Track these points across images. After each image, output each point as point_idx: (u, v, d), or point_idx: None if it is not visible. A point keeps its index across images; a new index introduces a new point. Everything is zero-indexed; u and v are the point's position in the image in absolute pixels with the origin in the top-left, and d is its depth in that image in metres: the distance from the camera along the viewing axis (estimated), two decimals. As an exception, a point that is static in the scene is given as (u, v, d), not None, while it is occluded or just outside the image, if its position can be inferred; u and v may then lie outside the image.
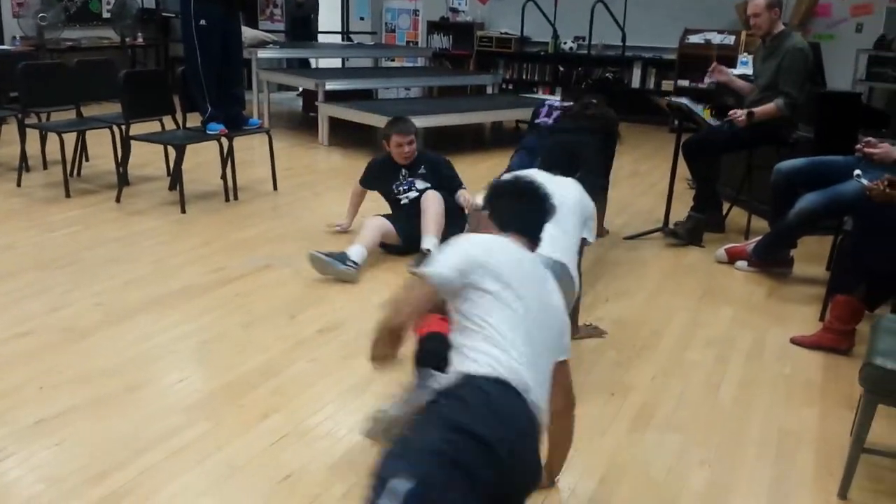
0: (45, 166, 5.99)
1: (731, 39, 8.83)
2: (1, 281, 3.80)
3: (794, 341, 3.42)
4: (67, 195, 5.29)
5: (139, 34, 10.21)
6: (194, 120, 5.52)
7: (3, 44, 8.84)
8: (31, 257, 4.15)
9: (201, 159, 6.15)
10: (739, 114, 4.50)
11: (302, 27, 11.26)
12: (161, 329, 3.34)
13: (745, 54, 7.31)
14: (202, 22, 5.20)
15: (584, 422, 2.72)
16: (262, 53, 8.62)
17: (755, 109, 4.56)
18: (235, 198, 5.43)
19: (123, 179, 5.38)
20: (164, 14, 10.57)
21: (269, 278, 3.98)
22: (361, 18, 11.40)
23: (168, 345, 3.21)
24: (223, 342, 3.27)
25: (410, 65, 11.05)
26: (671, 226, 4.84)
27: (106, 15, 10.11)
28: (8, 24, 9.11)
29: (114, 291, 3.72)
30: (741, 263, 4.36)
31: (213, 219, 4.98)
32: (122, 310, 3.51)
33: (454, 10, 11.09)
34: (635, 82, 9.72)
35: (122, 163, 5.36)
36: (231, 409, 2.75)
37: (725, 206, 5.15)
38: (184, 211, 5.04)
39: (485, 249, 1.93)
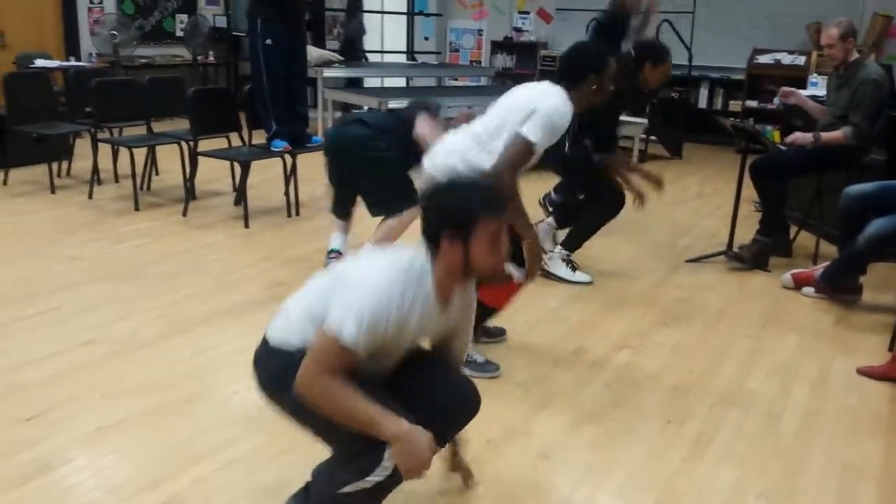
0: (116, 179, 6.19)
1: (801, 60, 8.62)
2: (68, 291, 3.93)
3: (861, 371, 3.30)
4: (136, 208, 5.45)
5: (210, 52, 10.50)
6: (260, 137, 5.63)
7: (80, 60, 9.18)
8: (98, 269, 4.28)
9: (266, 175, 6.26)
10: (804, 137, 4.47)
11: (349, 49, 11.37)
12: (219, 342, 3.40)
13: (816, 75, 7.12)
14: (268, 41, 5.32)
15: (639, 446, 2.68)
16: (328, 72, 8.76)
17: (823, 134, 4.48)
18: (297, 213, 5.51)
19: (190, 194, 5.51)
20: (234, 33, 10.85)
21: (326, 294, 4.02)
22: (426, 38, 11.51)
23: (225, 357, 3.26)
24: (279, 356, 3.31)
25: (474, 84, 11.10)
26: (736, 249, 4.72)
27: (179, 34, 10.44)
28: (85, 41, 9.48)
29: (176, 304, 3.81)
30: (808, 289, 4.23)
31: (275, 234, 5.06)
32: (184, 322, 3.59)
33: (518, 30, 11.11)
34: (702, 102, 9.56)
35: (189, 178, 5.50)
36: (283, 423, 2.76)
37: (793, 230, 5.01)
38: (247, 226, 5.14)
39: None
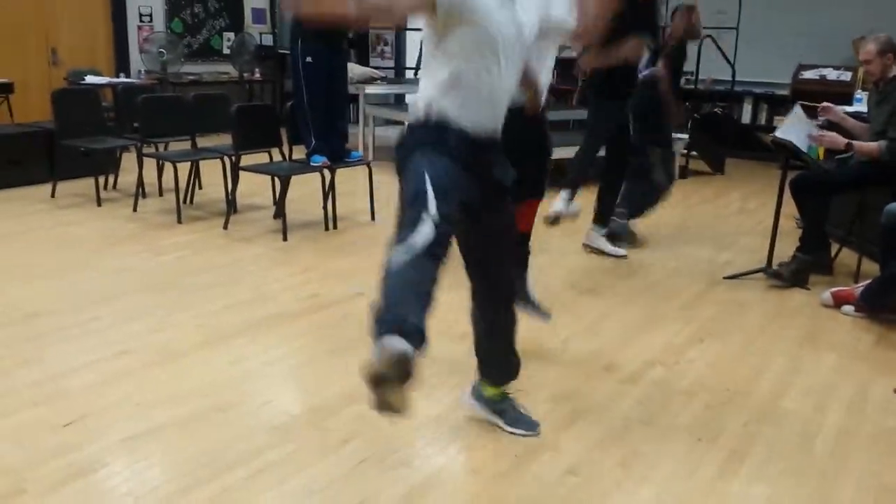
0: (160, 193, 6.33)
1: (847, 76, 8.49)
2: (108, 302, 4.02)
3: (901, 393, 3.22)
4: (179, 221, 5.56)
5: (257, 70, 10.70)
6: (300, 152, 5.72)
7: (129, 77, 9.43)
8: (139, 280, 4.38)
9: (307, 189, 6.34)
10: (833, 137, 4.52)
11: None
12: (254, 353, 3.45)
13: (861, 91, 6.99)
14: (308, 59, 5.42)
15: (669, 464, 2.65)
16: (370, 89, 8.87)
17: (855, 143, 4.48)
18: (335, 227, 5.58)
19: (231, 208, 5.61)
20: (280, 51, 11.04)
21: (359, 306, 4.05)
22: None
23: (259, 368, 3.31)
24: (311, 367, 3.35)
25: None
26: (775, 266, 4.65)
27: (226, 51, 10.66)
28: (135, 58, 9.73)
29: (213, 315, 3.88)
30: (848, 308, 4.15)
31: (313, 247, 5.13)
32: (220, 333, 3.65)
33: (561, 46, 11.10)
34: (745, 118, 9.46)
35: (230, 192, 5.61)
36: (314, 433, 2.81)
37: (834, 247, 4.92)
38: (286, 239, 5.21)
39: None
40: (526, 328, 3.70)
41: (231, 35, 10.72)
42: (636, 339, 3.72)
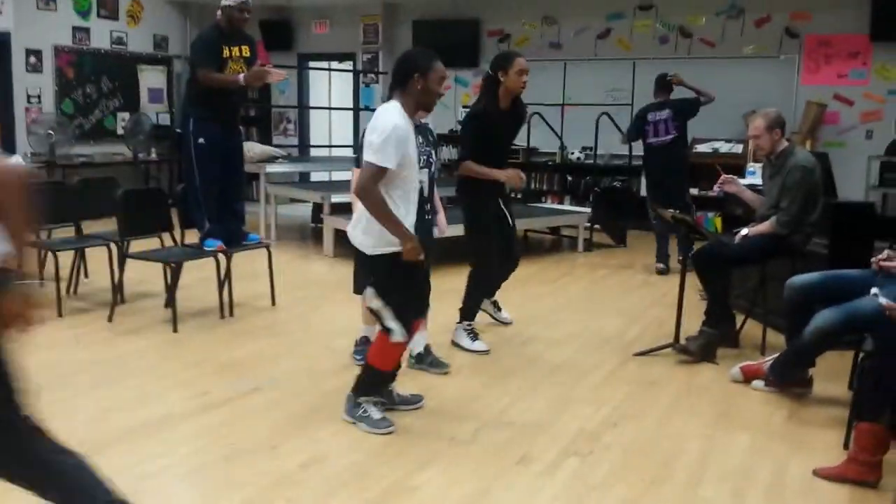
0: (41, 284, 5.90)
1: (738, 148, 8.81)
2: (-26, 409, 3.62)
3: (817, 473, 3.14)
4: (60, 314, 5.17)
5: (153, 150, 10.37)
6: (194, 236, 5.44)
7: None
8: (10, 382, 3.97)
9: (203, 274, 6.01)
10: (742, 232, 4.61)
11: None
12: (135, 462, 3.12)
13: (753, 164, 7.23)
14: (201, 140, 5.22)
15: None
16: (271, 168, 8.67)
17: (750, 231, 4.59)
18: (231, 314, 5.28)
19: (117, 298, 5.25)
20: (177, 130, 10.75)
21: (254, 403, 3.78)
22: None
23: (141, 481, 2.97)
24: (199, 477, 3.05)
25: (420, 176, 11.09)
26: (682, 341, 4.61)
27: (120, 132, 10.31)
28: (21, 140, 9.27)
29: (91, 421, 3.52)
30: (758, 383, 4.11)
31: (206, 337, 4.82)
32: (97, 441, 3.29)
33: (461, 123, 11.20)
34: (643, 191, 9.64)
35: (117, 282, 5.25)
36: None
37: (739, 318, 4.93)
38: (176, 330, 4.89)
39: None
40: (431, 424, 3.53)
41: (126, 115, 10.41)
42: (549, 426, 3.56)
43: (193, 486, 2.99)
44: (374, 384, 3.49)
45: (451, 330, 4.72)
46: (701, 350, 4.49)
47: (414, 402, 3.75)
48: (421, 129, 3.95)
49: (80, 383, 4.00)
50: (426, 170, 4.05)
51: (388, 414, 3.54)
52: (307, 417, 3.59)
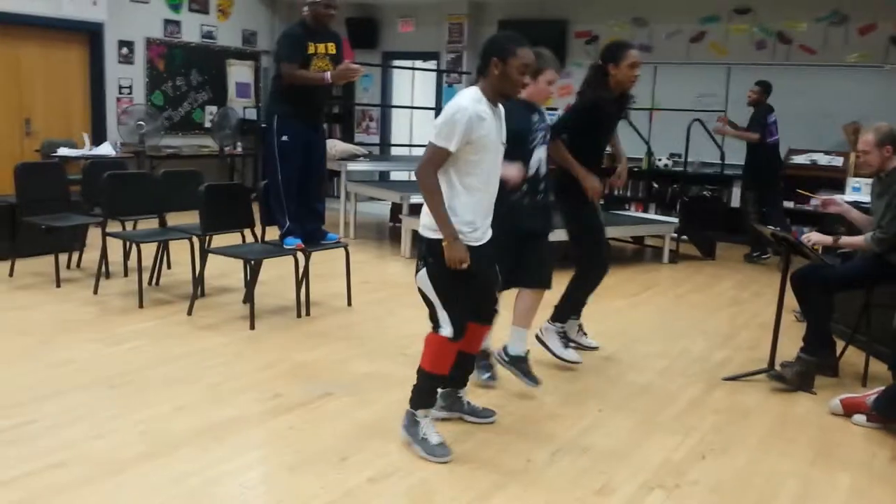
0: (125, 273, 5.99)
1: (839, 161, 8.34)
2: (50, 400, 3.64)
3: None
4: (141, 305, 5.21)
5: (238, 143, 10.49)
6: (274, 233, 5.41)
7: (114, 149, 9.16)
8: (87, 374, 4.00)
9: (281, 271, 5.99)
10: (822, 238, 4.37)
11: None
12: (202, 467, 3.06)
13: (857, 179, 6.80)
14: (284, 138, 5.17)
15: None
16: (352, 166, 8.64)
17: (843, 239, 4.34)
18: (308, 314, 5.23)
19: (197, 292, 5.26)
20: (262, 125, 10.86)
21: (326, 409, 3.69)
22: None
23: (205, 487, 2.91)
24: (263, 488, 2.96)
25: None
26: (778, 367, 4.33)
27: (207, 125, 10.47)
28: (112, 130, 9.50)
29: (161, 418, 3.49)
30: (859, 418, 3.81)
31: (281, 337, 4.77)
32: (166, 441, 3.27)
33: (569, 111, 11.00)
34: (734, 202, 9.25)
35: (197, 275, 5.27)
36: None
37: (839, 345, 4.60)
38: (253, 327, 4.86)
39: None
40: (506, 442, 3.36)
41: (213, 109, 10.56)
42: (631, 455, 3.35)
43: (256, 497, 2.90)
44: (429, 391, 3.28)
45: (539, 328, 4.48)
46: (798, 378, 4.21)
47: (485, 416, 3.59)
48: (535, 108, 3.88)
49: (153, 378, 3.99)
50: (543, 146, 3.91)
51: (457, 426, 3.40)
52: (377, 427, 3.48)
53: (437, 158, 3.05)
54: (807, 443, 3.58)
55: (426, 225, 3.17)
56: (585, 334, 4.85)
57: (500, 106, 3.23)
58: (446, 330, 3.14)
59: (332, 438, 3.36)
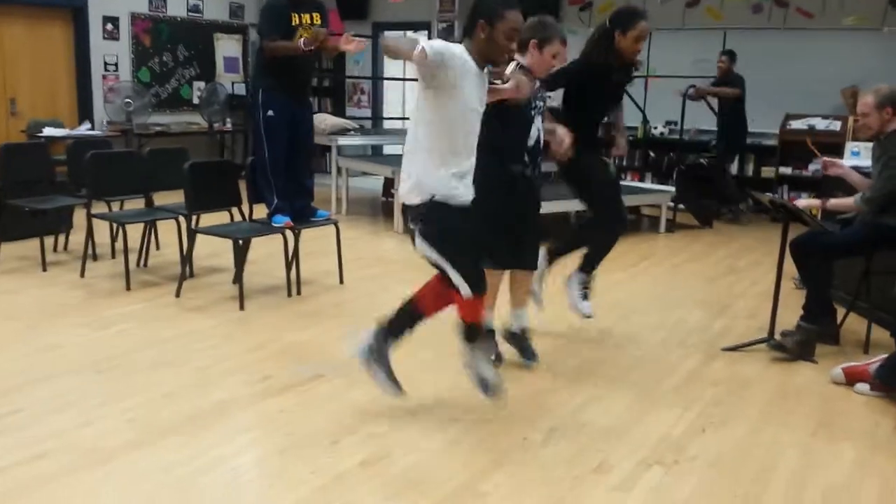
0: (113, 255, 5.88)
1: (836, 125, 8.22)
2: (35, 387, 3.56)
3: (936, 498, 2.80)
4: (128, 288, 5.12)
5: (228, 119, 10.33)
6: (262, 211, 5.31)
7: (93, 128, 9.02)
8: (73, 360, 3.91)
9: (272, 249, 5.89)
10: (809, 202, 4.46)
11: None
12: (191, 454, 2.98)
13: (857, 144, 6.70)
14: (270, 112, 5.05)
15: None
16: (343, 140, 8.51)
17: (831, 201, 4.31)
18: (298, 293, 5.14)
19: (185, 273, 5.17)
20: (248, 100, 10.72)
21: (317, 391, 3.61)
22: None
23: (194, 475, 2.83)
24: (253, 474, 2.89)
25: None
26: (777, 336, 4.26)
27: (196, 101, 10.31)
28: (99, 109, 9.34)
29: (150, 404, 3.41)
30: (862, 387, 3.74)
31: (272, 316, 4.69)
32: (154, 428, 3.19)
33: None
34: (732, 169, 9.14)
35: (185, 256, 5.17)
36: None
37: (840, 312, 4.52)
38: (242, 307, 4.77)
39: None
40: (502, 420, 3.29)
41: (202, 84, 10.39)
42: (629, 431, 3.28)
43: (246, 482, 2.83)
44: (410, 326, 3.27)
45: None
46: (798, 347, 4.14)
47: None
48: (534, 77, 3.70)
49: (141, 362, 3.90)
50: (539, 117, 3.76)
51: (452, 405, 3.33)
52: (369, 409, 3.40)
53: (418, 56, 2.82)
54: (808, 413, 3.52)
55: (409, 191, 3.08)
56: (586, 298, 4.67)
57: (486, 71, 3.11)
58: (464, 290, 3.03)
59: (323, 421, 3.28)
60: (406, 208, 3.13)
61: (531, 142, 3.69)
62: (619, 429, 3.29)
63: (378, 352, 3.21)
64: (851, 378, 3.81)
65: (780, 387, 3.82)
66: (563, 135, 3.84)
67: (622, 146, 4.44)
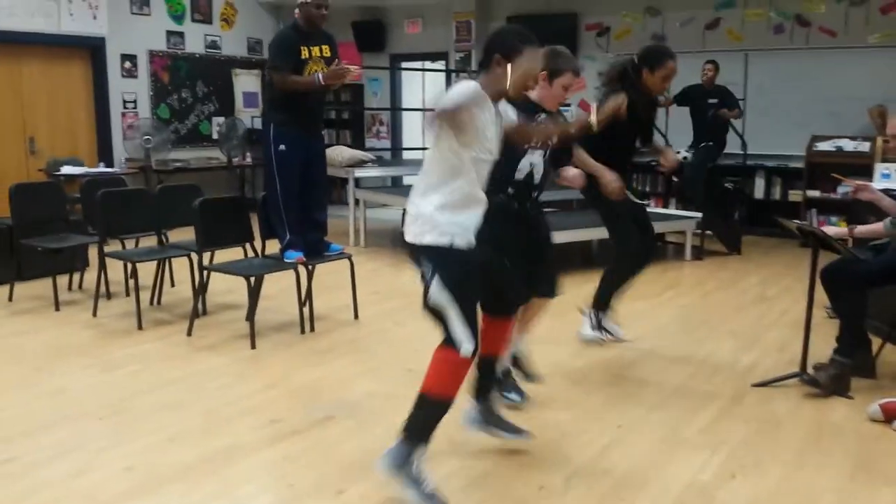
0: (127, 293, 5.81)
1: (865, 146, 7.99)
2: (37, 434, 3.45)
3: None
4: (140, 327, 5.02)
5: (248, 154, 10.32)
6: (275, 246, 5.20)
7: (112, 166, 9.04)
8: (78, 404, 3.81)
9: (286, 284, 5.78)
10: (838, 231, 4.23)
11: None
12: (189, 505, 2.85)
13: (887, 165, 6.48)
14: (281, 147, 4.96)
15: None
16: (360, 172, 8.43)
17: (858, 228, 4.13)
18: (312, 329, 5.02)
19: (197, 311, 5.07)
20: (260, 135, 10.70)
21: (326, 434, 3.46)
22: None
23: (191, 528, 2.70)
24: (255, 527, 2.75)
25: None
26: (810, 370, 4.05)
27: (216, 136, 10.31)
28: (118, 146, 9.37)
29: (151, 450, 3.29)
30: (902, 425, 3.53)
31: (284, 355, 4.56)
32: (153, 476, 3.06)
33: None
34: (758, 192, 8.94)
35: (196, 294, 5.07)
36: None
37: (875, 343, 4.30)
38: (254, 346, 4.65)
39: None
40: (516, 466, 3.11)
41: (221, 120, 10.40)
42: (654, 477, 3.08)
43: (250, 535, 2.69)
44: (433, 420, 2.82)
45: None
46: (832, 382, 3.92)
47: (521, 434, 3.23)
48: (542, 111, 3.53)
49: (146, 405, 3.79)
50: (539, 153, 3.50)
51: (463, 451, 3.15)
52: (378, 455, 3.24)
53: (447, 115, 2.62)
54: (845, 454, 3.30)
55: (420, 231, 2.80)
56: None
57: (505, 109, 2.95)
58: (467, 346, 2.71)
59: (330, 468, 3.13)
60: (415, 249, 2.88)
61: (520, 175, 3.48)
62: (643, 474, 3.10)
63: (404, 467, 2.79)
64: (890, 414, 3.58)
65: (815, 426, 3.60)
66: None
67: (670, 158, 4.54)
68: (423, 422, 2.81)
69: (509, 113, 3.01)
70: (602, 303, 4.55)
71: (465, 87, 2.64)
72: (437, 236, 2.77)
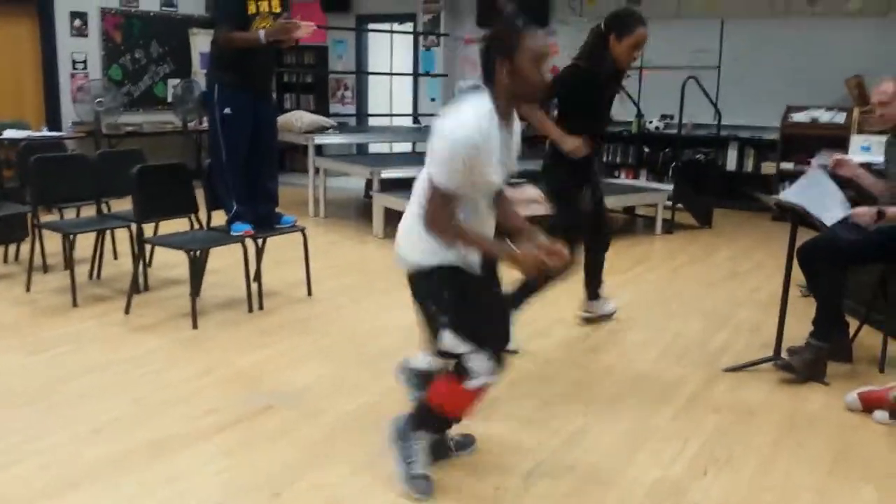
0: (65, 267, 5.42)
1: (841, 117, 7.78)
2: (-57, 426, 3.13)
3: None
4: (75, 304, 4.68)
5: (204, 118, 9.86)
6: (221, 218, 4.87)
7: (60, 130, 8.57)
8: (-3, 391, 3.49)
9: (236, 258, 5.46)
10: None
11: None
12: (107, 508, 2.56)
13: (865, 137, 6.27)
14: (227, 110, 4.62)
15: None
16: (322, 139, 8.07)
17: (888, 209, 3.60)
18: (261, 307, 4.71)
19: (137, 287, 4.74)
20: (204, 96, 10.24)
21: (264, 427, 3.18)
22: (433, 100, 10.81)
23: (104, 537, 2.42)
24: (176, 535, 2.47)
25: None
26: (784, 354, 3.83)
27: (171, 99, 9.85)
28: (68, 109, 8.90)
29: (71, 444, 2.98)
30: (881, 415, 3.31)
31: (227, 336, 4.26)
32: (70, 474, 2.76)
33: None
34: (731, 164, 8.72)
35: (135, 268, 4.73)
36: None
37: (853, 325, 4.09)
38: (195, 326, 4.34)
39: None
40: (471, 465, 2.83)
41: (177, 82, 9.92)
42: (620, 473, 2.84)
43: (170, 545, 2.41)
44: (436, 428, 2.73)
45: None
46: (807, 367, 3.71)
47: (468, 445, 2.98)
48: None
49: (72, 392, 3.47)
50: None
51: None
52: (321, 449, 2.97)
53: (448, 202, 2.41)
54: (822, 447, 3.09)
55: (422, 250, 2.50)
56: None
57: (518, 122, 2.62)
58: (487, 378, 2.49)
59: (266, 465, 2.85)
60: (415, 276, 2.57)
61: None
62: (609, 470, 2.86)
63: (402, 441, 2.69)
64: (868, 404, 3.38)
65: (790, 415, 3.38)
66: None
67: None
68: (424, 423, 2.69)
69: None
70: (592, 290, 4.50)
71: (459, 145, 2.34)
72: (437, 255, 2.51)
